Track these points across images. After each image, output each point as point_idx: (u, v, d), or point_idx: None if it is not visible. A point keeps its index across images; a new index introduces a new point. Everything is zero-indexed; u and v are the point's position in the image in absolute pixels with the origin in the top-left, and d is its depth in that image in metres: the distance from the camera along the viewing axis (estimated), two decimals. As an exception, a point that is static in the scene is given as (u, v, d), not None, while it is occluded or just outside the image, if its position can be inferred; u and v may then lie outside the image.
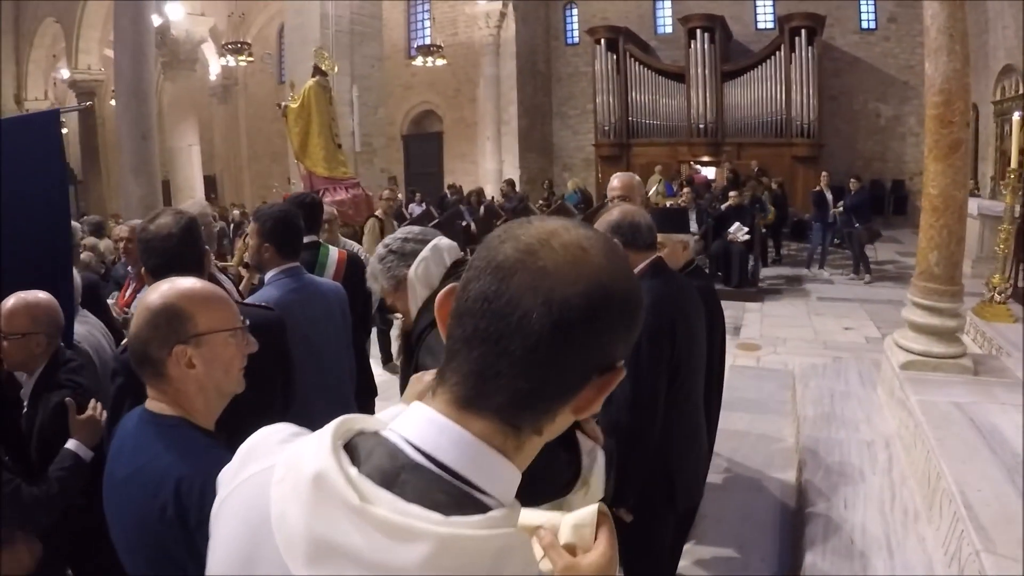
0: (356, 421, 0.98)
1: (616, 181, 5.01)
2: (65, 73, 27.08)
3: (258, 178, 29.30)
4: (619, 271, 0.97)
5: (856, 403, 6.19)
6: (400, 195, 20.45)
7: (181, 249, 2.95)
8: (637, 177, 5.17)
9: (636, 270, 3.28)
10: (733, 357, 8.93)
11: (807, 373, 7.32)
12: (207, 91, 30.02)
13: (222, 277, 4.79)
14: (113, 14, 16.79)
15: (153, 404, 1.95)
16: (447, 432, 0.92)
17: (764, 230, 14.28)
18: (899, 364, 5.58)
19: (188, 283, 2.01)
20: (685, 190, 15.99)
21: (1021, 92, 14.18)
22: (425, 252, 2.71)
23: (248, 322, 2.12)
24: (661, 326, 3.25)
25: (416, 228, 2.97)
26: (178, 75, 23.16)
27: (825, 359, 8.65)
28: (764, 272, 14.31)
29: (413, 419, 0.94)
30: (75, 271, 4.73)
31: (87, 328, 4.22)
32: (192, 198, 22.63)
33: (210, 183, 28.90)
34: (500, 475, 0.93)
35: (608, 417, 3.22)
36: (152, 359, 1.91)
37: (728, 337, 9.78)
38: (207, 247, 3.29)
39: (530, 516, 1.13)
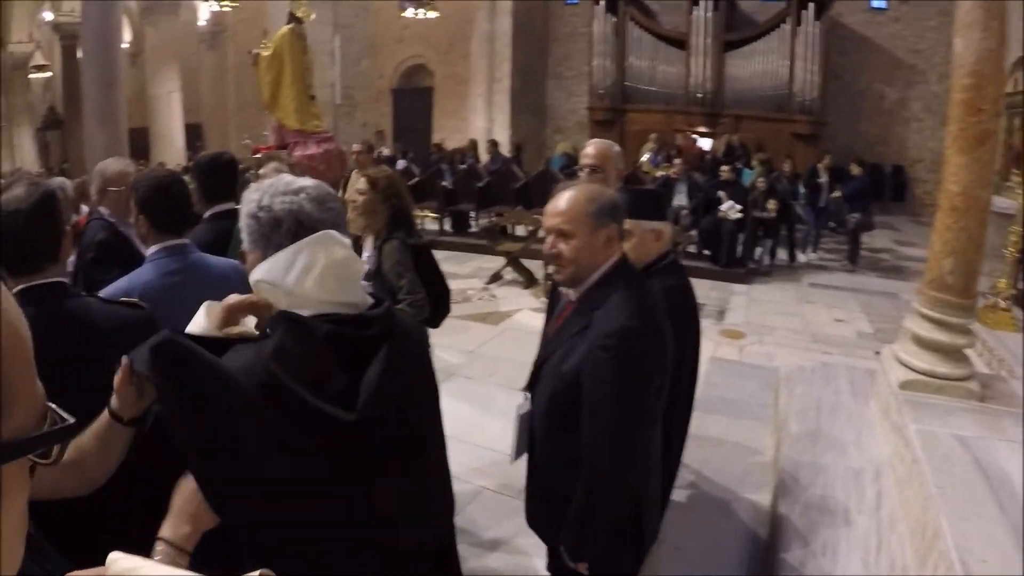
0: None
1: (591, 148, 4.34)
2: (48, 16, 26.49)
3: (245, 128, 28.42)
4: None
5: (846, 419, 5.51)
6: (386, 150, 19.84)
7: (29, 231, 2.39)
8: (616, 146, 4.43)
9: (598, 274, 2.72)
10: (715, 346, 8.37)
11: (794, 377, 6.64)
12: (195, 37, 29.21)
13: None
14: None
15: None
16: None
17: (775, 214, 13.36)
18: (898, 382, 4.89)
19: None
20: (677, 160, 15.25)
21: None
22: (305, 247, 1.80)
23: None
24: (649, 335, 2.61)
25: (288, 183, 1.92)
26: (160, 20, 22.44)
27: (814, 354, 8.15)
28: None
29: None
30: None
31: None
32: (171, 146, 22.18)
33: (195, 131, 28.24)
34: None
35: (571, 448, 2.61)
36: None
37: (711, 322, 9.29)
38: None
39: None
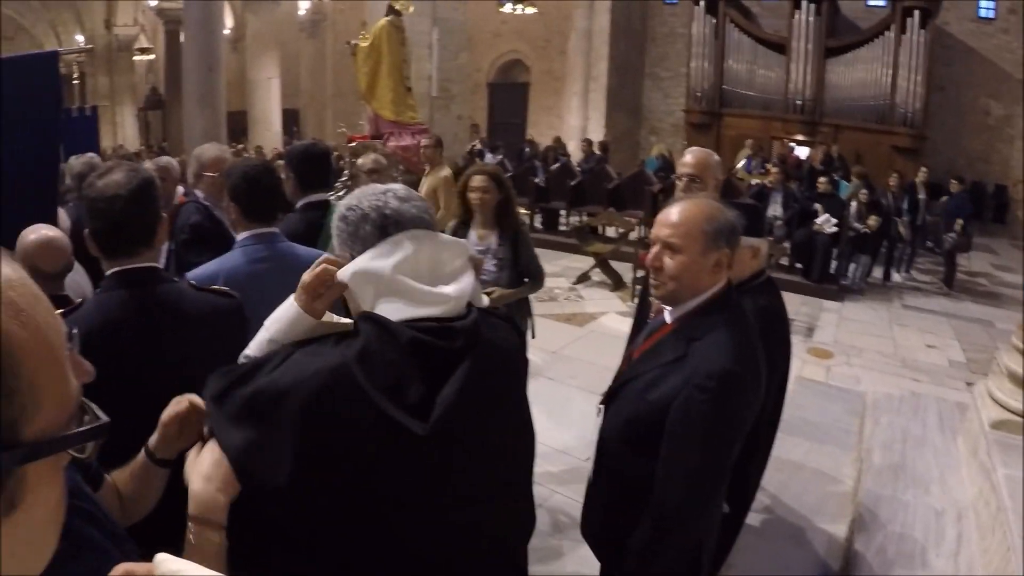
0: None
1: (689, 157, 4.25)
2: (153, 1, 27.85)
3: (341, 115, 29.12)
4: None
5: (931, 455, 5.33)
6: (479, 144, 19.98)
7: (127, 215, 2.44)
8: (715, 155, 4.33)
9: (700, 300, 2.56)
10: (801, 364, 8.18)
11: (880, 404, 6.45)
12: (296, 26, 29.88)
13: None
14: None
15: None
16: None
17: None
18: (989, 421, 4.71)
19: None
20: (774, 169, 14.84)
21: None
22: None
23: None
24: (750, 381, 2.43)
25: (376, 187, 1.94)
26: (261, 7, 23.03)
27: (902, 380, 7.96)
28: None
29: None
30: (64, 214, 4.36)
31: (72, 279, 3.83)
32: (269, 130, 22.65)
33: (292, 117, 28.87)
34: None
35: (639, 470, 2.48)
36: None
37: (799, 339, 9.08)
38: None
39: None
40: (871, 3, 21.70)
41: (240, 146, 19.83)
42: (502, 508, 1.88)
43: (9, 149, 3.70)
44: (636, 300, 4.86)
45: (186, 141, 16.24)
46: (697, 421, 2.34)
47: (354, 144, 11.93)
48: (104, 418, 0.79)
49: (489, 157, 18.78)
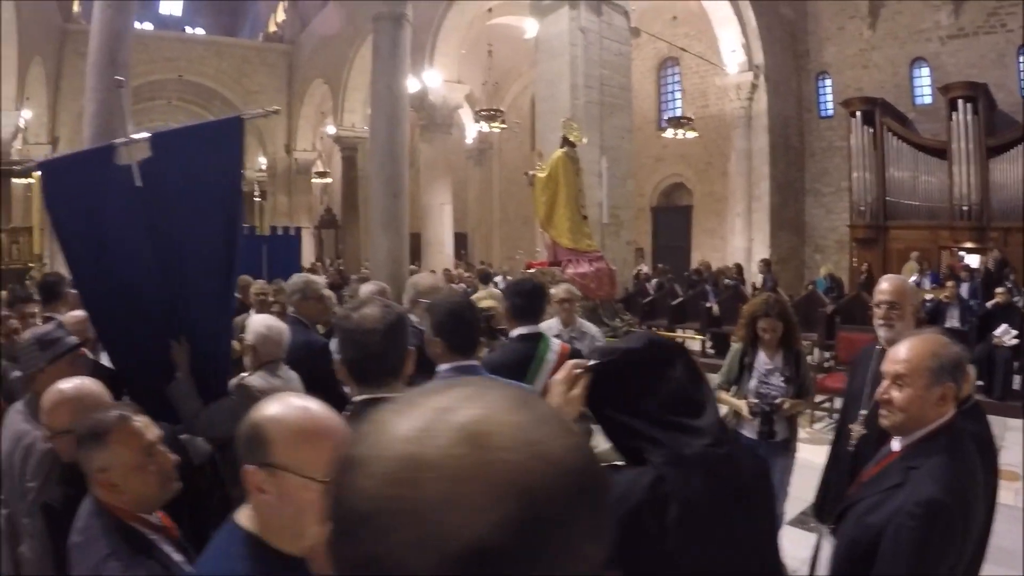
0: None
1: (886, 284, 4.25)
2: (331, 129, 30.45)
3: (508, 240, 30.75)
4: (551, 459, 0.65)
5: None
6: (644, 268, 20.58)
7: (382, 348, 2.69)
8: (910, 282, 4.51)
9: (924, 432, 2.73)
10: (989, 489, 8.02)
11: (1075, 526, 6.39)
12: (464, 154, 32.19)
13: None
14: (371, 80, 18.32)
15: (241, 512, 1.87)
16: None
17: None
18: None
19: (293, 408, 1.84)
20: (949, 283, 14.49)
21: None
22: None
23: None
24: (957, 511, 2.49)
25: None
26: (434, 137, 24.57)
27: (1097, 499, 7.70)
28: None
29: None
30: (282, 324, 4.86)
31: (278, 383, 4.31)
32: (441, 253, 23.80)
33: (461, 240, 30.31)
34: None
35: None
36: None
37: (986, 460, 8.92)
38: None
39: None
40: (1027, 94, 20.53)
41: (424, 268, 20.83)
42: None
43: (194, 206, 4.06)
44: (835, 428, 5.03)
45: (372, 262, 17.29)
46: (903, 549, 2.47)
47: (533, 271, 12.50)
48: None
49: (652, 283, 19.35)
